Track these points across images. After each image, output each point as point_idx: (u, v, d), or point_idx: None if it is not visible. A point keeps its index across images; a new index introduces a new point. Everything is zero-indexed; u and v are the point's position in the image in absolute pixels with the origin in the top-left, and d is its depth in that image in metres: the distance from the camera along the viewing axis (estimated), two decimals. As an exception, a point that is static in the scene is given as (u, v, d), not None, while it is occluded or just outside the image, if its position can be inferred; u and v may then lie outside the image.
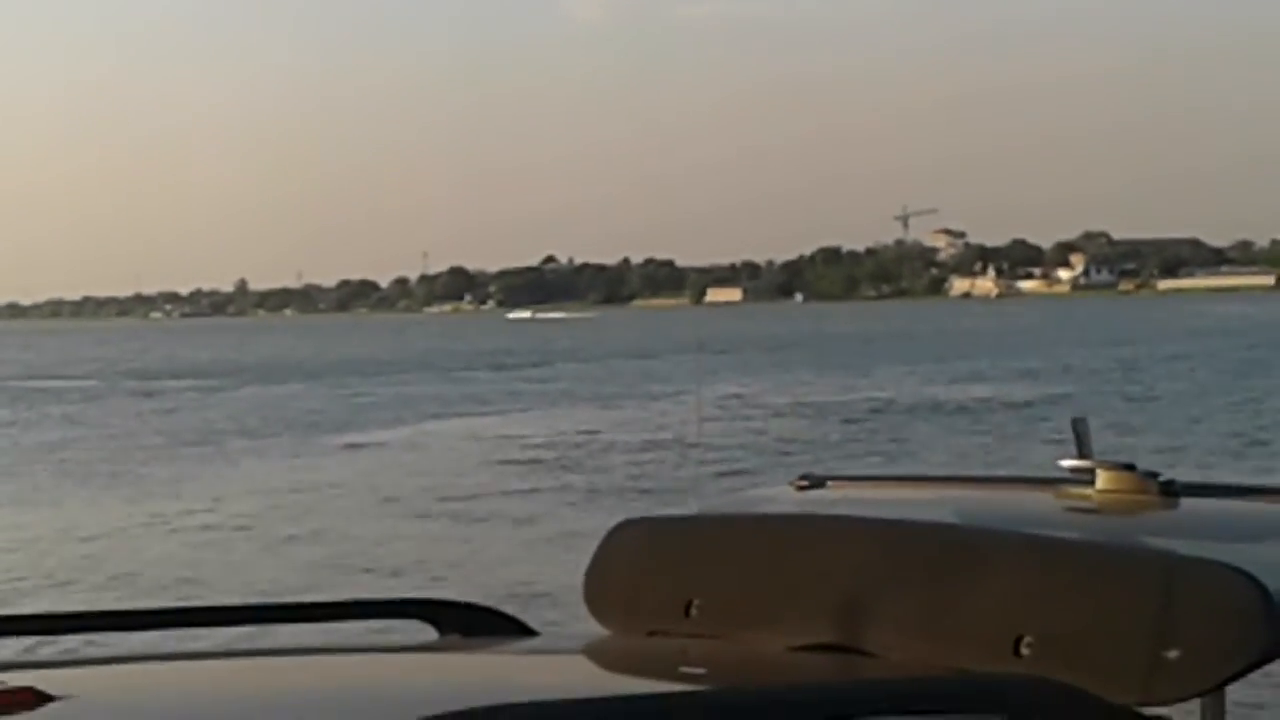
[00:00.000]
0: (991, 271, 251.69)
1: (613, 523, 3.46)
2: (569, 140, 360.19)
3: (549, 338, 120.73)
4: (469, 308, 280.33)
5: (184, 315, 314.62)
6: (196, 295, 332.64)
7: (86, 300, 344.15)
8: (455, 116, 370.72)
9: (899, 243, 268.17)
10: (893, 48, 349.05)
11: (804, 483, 3.71)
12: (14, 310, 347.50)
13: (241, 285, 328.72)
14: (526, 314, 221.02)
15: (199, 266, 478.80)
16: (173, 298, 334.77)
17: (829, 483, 3.74)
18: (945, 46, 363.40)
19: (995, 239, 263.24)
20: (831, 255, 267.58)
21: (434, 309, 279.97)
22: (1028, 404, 43.80)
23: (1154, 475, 3.40)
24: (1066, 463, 3.48)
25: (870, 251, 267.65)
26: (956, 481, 3.99)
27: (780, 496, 3.68)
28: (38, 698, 2.17)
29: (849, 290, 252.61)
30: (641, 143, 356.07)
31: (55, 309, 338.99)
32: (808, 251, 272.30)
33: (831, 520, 3.18)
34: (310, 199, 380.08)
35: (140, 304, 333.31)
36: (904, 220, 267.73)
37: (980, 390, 49.51)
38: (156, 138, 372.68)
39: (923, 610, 2.81)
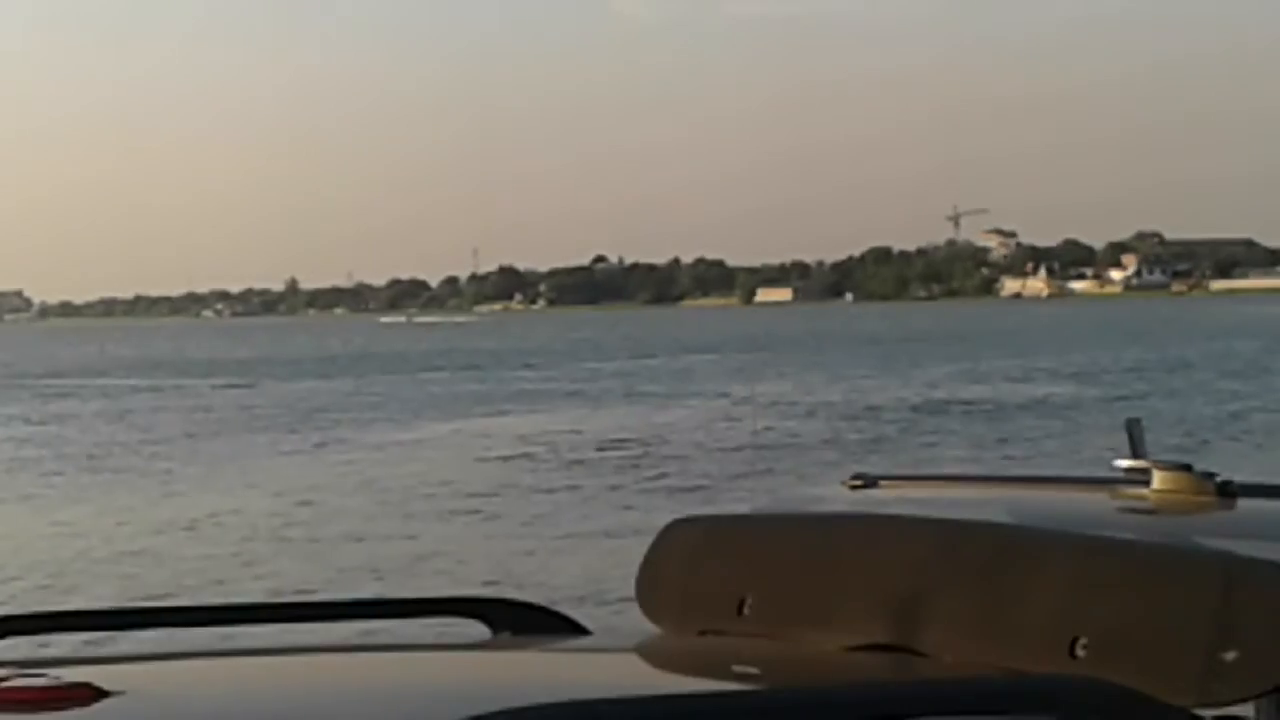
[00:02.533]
0: (1043, 272, 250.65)
1: (665, 521, 3.45)
2: (618, 138, 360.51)
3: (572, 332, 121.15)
4: (519, 307, 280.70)
5: (235, 314, 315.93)
6: (248, 294, 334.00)
7: (139, 299, 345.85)
8: (505, 113, 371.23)
9: (950, 243, 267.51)
10: (945, 47, 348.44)
11: (857, 482, 3.71)
12: (67, 308, 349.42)
13: (292, 284, 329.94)
14: (401, 318, 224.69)
15: (250, 265, 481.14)
16: (224, 296, 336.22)
17: (881, 482, 3.73)
18: (996, 46, 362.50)
19: (1047, 239, 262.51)
20: (882, 255, 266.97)
21: (484, 308, 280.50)
22: (1079, 403, 43.66)
23: (1211, 476, 3.37)
24: (1122, 463, 3.47)
25: (921, 252, 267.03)
26: (1010, 481, 3.98)
27: (832, 496, 3.67)
28: (94, 693, 2.18)
29: (899, 290, 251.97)
30: (691, 141, 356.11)
31: (108, 308, 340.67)
32: (858, 251, 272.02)
33: (885, 519, 3.17)
34: (362, 197, 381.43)
35: (192, 303, 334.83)
36: (955, 220, 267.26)
37: (1032, 389, 49.36)
38: (207, 135, 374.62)
39: (977, 610, 2.80)
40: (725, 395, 51.39)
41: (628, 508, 25.52)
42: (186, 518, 25.41)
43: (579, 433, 38.74)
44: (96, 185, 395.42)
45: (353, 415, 47.45)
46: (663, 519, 3.54)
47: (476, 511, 25.56)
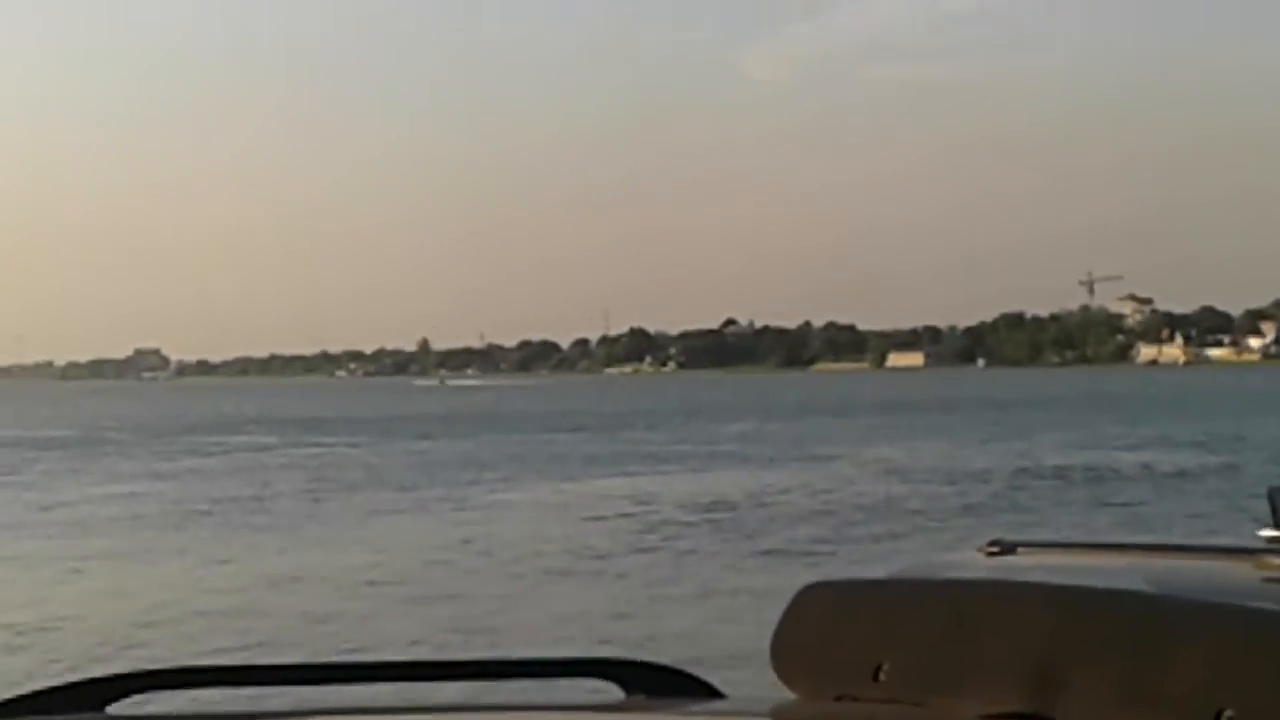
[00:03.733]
0: (1179, 339, 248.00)
1: (797, 585, 3.43)
2: (748, 201, 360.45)
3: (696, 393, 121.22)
4: (649, 369, 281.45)
5: (367, 374, 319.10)
6: (380, 354, 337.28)
7: (273, 358, 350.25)
8: (633, 175, 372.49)
9: (1084, 308, 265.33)
10: (1076, 106, 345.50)
11: (994, 549, 3.67)
12: (204, 367, 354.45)
13: (424, 345, 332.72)
14: (434, 381, 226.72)
15: (382, 326, 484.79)
16: (357, 356, 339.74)
17: (1019, 549, 3.68)
18: (1132, 105, 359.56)
19: (1183, 306, 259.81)
20: (1015, 321, 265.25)
21: (614, 370, 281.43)
22: (1217, 471, 43.09)
23: (1358, 547, 3.32)
24: (1266, 533, 3.42)
25: (1054, 317, 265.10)
26: (1152, 549, 3.92)
27: (969, 562, 3.63)
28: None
29: (1033, 356, 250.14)
30: (822, 204, 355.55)
31: (244, 366, 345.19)
32: (990, 316, 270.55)
33: (1024, 586, 3.12)
34: (492, 259, 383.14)
35: (325, 362, 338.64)
36: (1089, 286, 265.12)
37: (1171, 457, 48.80)
38: (336, 197, 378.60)
39: (1118, 681, 2.75)
40: (853, 458, 51.29)
41: (755, 570, 25.44)
42: (300, 572, 25.68)
43: (704, 494, 38.71)
44: (233, 244, 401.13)
45: (472, 475, 47.75)
46: (792, 582, 3.51)
47: (598, 573, 25.60)
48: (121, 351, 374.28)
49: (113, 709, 2.76)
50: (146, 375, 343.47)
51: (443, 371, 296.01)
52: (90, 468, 54.02)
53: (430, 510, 36.96)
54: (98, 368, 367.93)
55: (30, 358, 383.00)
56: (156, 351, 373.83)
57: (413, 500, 39.48)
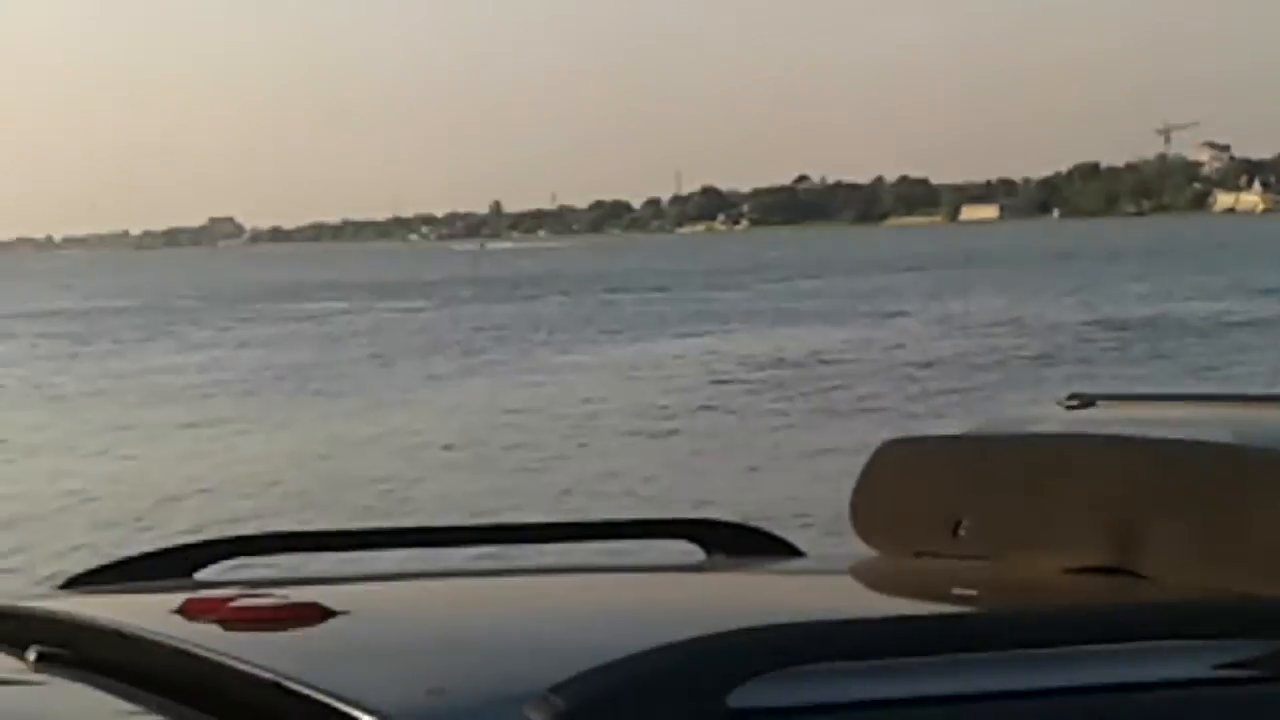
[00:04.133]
0: (1258, 185, 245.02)
1: (875, 442, 3.43)
2: (820, 57, 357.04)
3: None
4: (722, 228, 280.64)
5: (440, 238, 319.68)
6: (452, 218, 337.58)
7: (346, 224, 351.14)
8: (706, 33, 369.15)
9: (1160, 157, 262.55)
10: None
11: (1073, 402, 3.64)
12: (277, 234, 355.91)
13: (496, 207, 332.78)
14: (475, 245, 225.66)
15: (454, 190, 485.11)
16: (429, 220, 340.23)
17: (1099, 402, 3.65)
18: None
19: (1262, 152, 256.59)
20: (1090, 171, 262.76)
21: (686, 229, 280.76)
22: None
23: None
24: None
25: (1130, 167, 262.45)
26: (1234, 401, 3.88)
27: (1049, 416, 3.61)
28: (322, 613, 2.21)
29: (1108, 206, 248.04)
30: (895, 60, 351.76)
31: (316, 232, 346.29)
32: (1065, 168, 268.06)
33: (1103, 440, 3.11)
34: (565, 117, 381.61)
35: (398, 227, 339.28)
36: (1165, 134, 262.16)
37: (1246, 305, 48.35)
38: (413, 63, 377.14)
39: (1200, 533, 2.73)
40: (925, 313, 51.11)
41: (829, 429, 25.43)
42: (371, 437, 25.82)
43: (773, 352, 38.64)
44: (305, 112, 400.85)
45: (540, 337, 47.90)
46: (866, 440, 3.52)
47: (672, 433, 25.65)
48: (196, 220, 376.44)
49: (200, 575, 2.80)
50: (221, 244, 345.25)
51: (509, 235, 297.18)
52: (164, 336, 54.38)
53: (498, 373, 37.11)
54: (173, 236, 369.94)
55: (105, 227, 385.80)
56: (231, 219, 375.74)
57: (482, 363, 39.62)
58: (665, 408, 28.78)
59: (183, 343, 50.86)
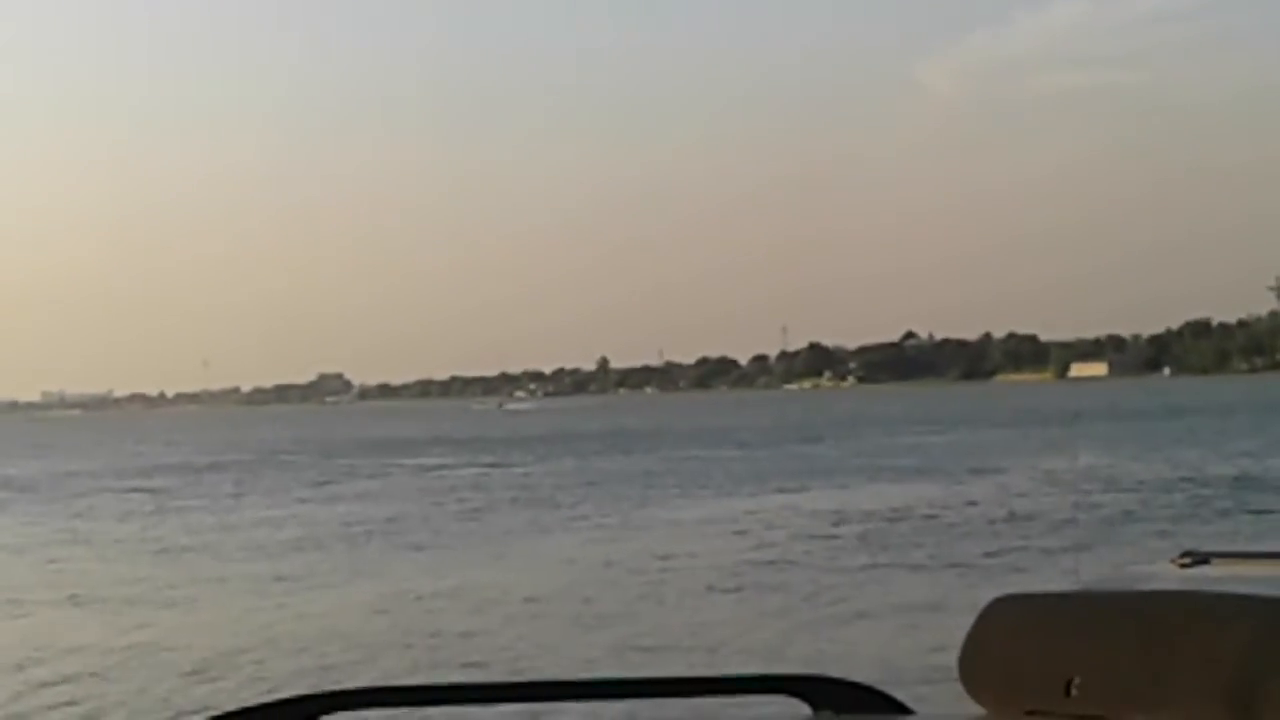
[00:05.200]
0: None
1: (988, 598, 3.38)
2: (928, 213, 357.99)
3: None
4: (828, 384, 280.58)
5: (547, 394, 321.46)
6: (560, 374, 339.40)
7: (454, 380, 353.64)
8: (811, 187, 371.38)
9: (1273, 314, 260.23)
10: (1263, 103, 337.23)
11: (1185, 560, 3.60)
12: (385, 390, 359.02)
13: (603, 364, 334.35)
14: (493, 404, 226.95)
15: (562, 347, 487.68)
16: (536, 376, 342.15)
17: (1213, 559, 3.61)
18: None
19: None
20: (1201, 328, 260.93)
21: (793, 386, 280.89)
22: None
23: None
24: None
25: (1242, 324, 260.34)
26: (1351, 558, 3.82)
27: (1161, 573, 3.58)
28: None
29: (1220, 363, 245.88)
30: (1000, 211, 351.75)
31: (425, 389, 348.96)
32: (1175, 324, 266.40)
33: (1218, 597, 3.05)
34: (688, 273, 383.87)
35: (505, 383, 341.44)
36: (1277, 291, 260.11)
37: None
38: (522, 227, 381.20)
39: (1320, 694, 2.67)
40: (1032, 469, 50.72)
41: (937, 585, 25.22)
42: (473, 593, 25.90)
43: (880, 508, 38.47)
44: (416, 274, 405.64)
45: (639, 492, 48.02)
46: (975, 597, 3.48)
47: (778, 588, 25.50)
48: (305, 376, 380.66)
49: None
50: (330, 399, 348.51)
51: (522, 391, 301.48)
52: (265, 490, 55.08)
53: (600, 529, 37.18)
54: (283, 392, 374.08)
55: (217, 384, 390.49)
56: (340, 376, 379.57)
57: (585, 519, 39.70)
58: (769, 562, 28.68)
59: (283, 497, 51.47)
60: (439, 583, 27.45)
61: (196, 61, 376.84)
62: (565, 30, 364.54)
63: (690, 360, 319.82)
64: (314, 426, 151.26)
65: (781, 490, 46.44)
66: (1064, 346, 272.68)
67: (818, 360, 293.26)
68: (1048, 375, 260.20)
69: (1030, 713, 3.04)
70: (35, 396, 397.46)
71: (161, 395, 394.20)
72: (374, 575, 29.16)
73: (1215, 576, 3.47)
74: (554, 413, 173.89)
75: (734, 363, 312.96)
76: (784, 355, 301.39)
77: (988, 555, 29.00)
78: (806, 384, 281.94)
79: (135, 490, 57.53)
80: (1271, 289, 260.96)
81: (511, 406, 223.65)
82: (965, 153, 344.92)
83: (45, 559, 34.50)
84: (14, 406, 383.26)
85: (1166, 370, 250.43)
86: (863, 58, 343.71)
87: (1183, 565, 3.59)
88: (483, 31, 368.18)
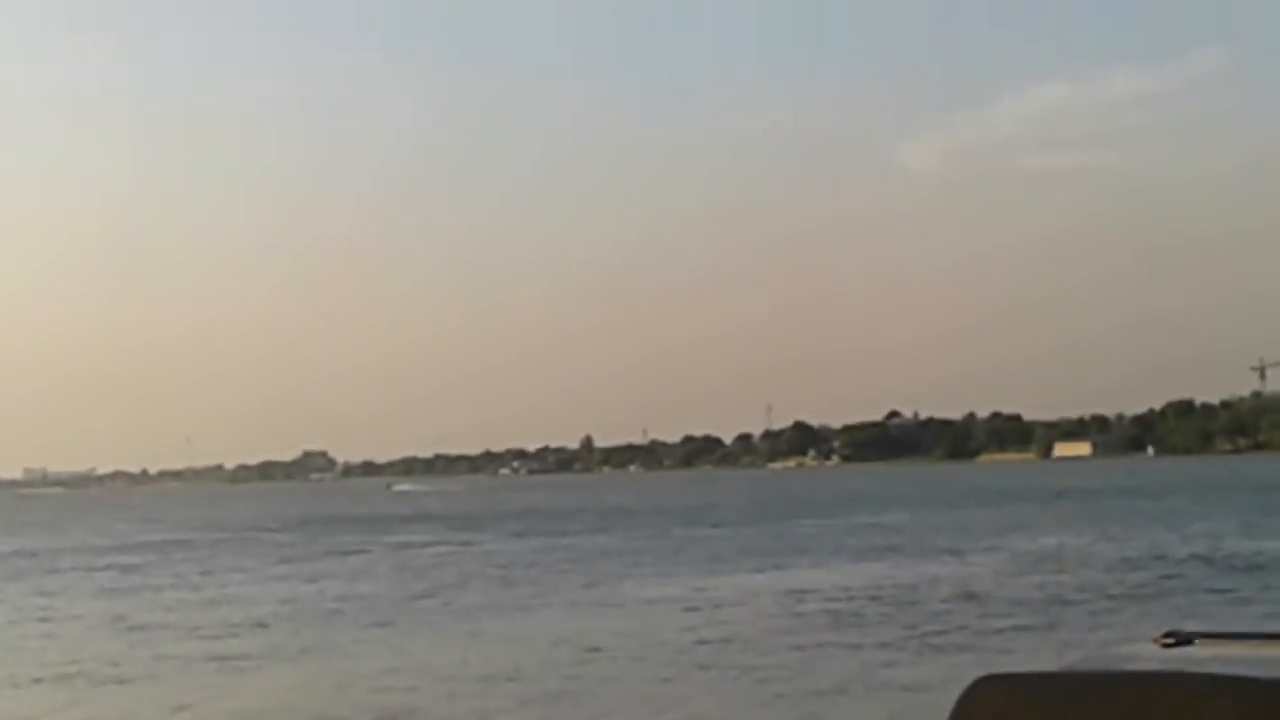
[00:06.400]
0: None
1: (969, 679, 3.35)
2: (910, 295, 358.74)
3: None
4: (813, 463, 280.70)
5: (531, 472, 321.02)
6: (544, 452, 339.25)
7: (438, 458, 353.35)
8: (795, 267, 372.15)
9: (1255, 394, 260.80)
10: (1240, 181, 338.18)
11: (1168, 640, 3.54)
12: (368, 467, 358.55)
13: (587, 442, 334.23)
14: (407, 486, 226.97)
15: (546, 425, 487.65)
16: (520, 454, 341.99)
17: (1196, 640, 3.57)
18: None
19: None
20: (1184, 408, 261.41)
21: (777, 465, 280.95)
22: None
23: None
24: None
25: (1225, 404, 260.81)
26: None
27: (1144, 653, 3.51)
28: None
29: (1203, 444, 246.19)
30: (982, 291, 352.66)
31: (408, 466, 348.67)
32: (1158, 404, 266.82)
33: (1202, 679, 3.01)
34: (654, 357, 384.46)
35: (489, 461, 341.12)
36: (1261, 371, 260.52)
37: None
38: (501, 304, 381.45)
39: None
40: (1013, 548, 50.69)
41: (918, 664, 25.11)
42: (427, 669, 25.83)
43: (864, 586, 38.36)
44: (397, 352, 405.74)
45: (619, 569, 48.01)
46: (957, 675, 3.44)
47: (753, 668, 25.37)
48: (290, 453, 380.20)
49: None
50: (314, 477, 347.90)
51: (506, 469, 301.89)
52: (238, 569, 55.09)
53: (579, 605, 37.12)
54: (267, 469, 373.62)
55: (201, 461, 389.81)
56: (324, 453, 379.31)
57: (562, 596, 39.64)
58: (751, 642, 28.51)
59: (257, 575, 51.46)
60: (394, 660, 27.46)
61: (182, 136, 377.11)
62: (543, 104, 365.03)
63: (675, 439, 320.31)
64: (293, 503, 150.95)
65: (763, 569, 46.31)
66: (1048, 426, 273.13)
67: (802, 439, 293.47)
68: (1032, 455, 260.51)
69: (1012, 796, 3.00)
70: (17, 473, 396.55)
71: (144, 472, 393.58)
72: (347, 654, 29.09)
73: (1199, 657, 3.41)
74: (628, 488, 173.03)
75: (719, 441, 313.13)
76: (768, 434, 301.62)
77: (969, 634, 28.89)
78: (791, 463, 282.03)
79: (106, 568, 57.83)
80: (1254, 369, 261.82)
81: (400, 488, 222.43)
82: (948, 230, 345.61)
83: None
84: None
85: (1150, 450, 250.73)
86: (845, 135, 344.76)
87: (1165, 645, 3.53)
88: (464, 105, 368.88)
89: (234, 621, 35.45)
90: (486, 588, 42.75)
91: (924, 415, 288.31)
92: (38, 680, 26.81)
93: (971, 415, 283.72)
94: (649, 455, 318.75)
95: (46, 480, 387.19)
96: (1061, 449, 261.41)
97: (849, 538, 61.39)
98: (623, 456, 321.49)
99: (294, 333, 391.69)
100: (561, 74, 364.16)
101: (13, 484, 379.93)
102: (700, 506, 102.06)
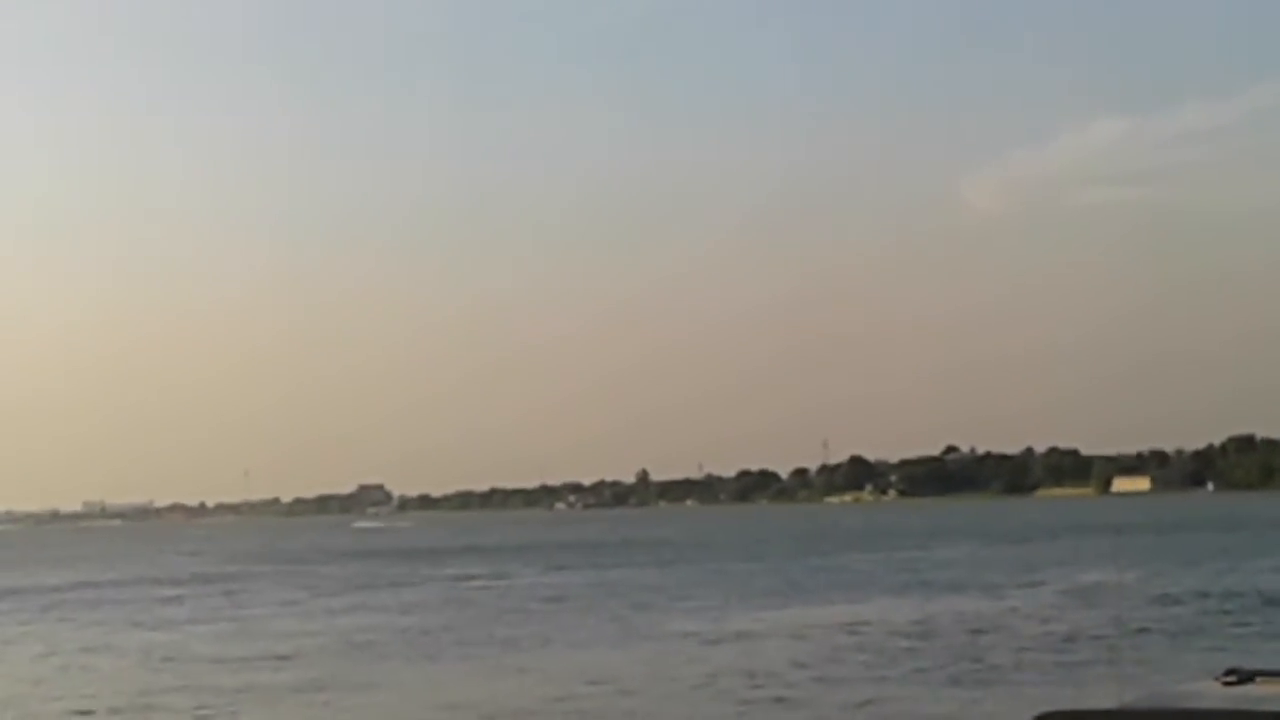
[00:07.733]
0: None
1: (1032, 715, 3.35)
2: (971, 326, 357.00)
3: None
4: (869, 498, 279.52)
5: (587, 506, 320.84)
6: (600, 486, 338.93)
7: (494, 492, 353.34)
8: (855, 304, 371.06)
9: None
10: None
11: (1230, 678, 3.51)
12: (425, 501, 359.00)
13: (643, 476, 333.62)
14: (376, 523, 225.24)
15: (603, 459, 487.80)
16: (576, 489, 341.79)
17: (1258, 678, 3.55)
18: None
19: None
20: (1244, 443, 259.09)
21: (834, 499, 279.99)
22: None
23: None
24: None
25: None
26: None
27: (1206, 691, 3.48)
28: None
29: (1264, 479, 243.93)
30: (1042, 326, 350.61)
31: (464, 500, 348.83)
32: (1218, 439, 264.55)
33: (1266, 716, 3.01)
34: (727, 387, 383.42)
35: (545, 495, 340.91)
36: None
37: None
38: (555, 337, 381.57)
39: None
40: (1068, 582, 50.38)
41: (979, 699, 24.99)
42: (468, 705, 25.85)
43: (920, 621, 38.22)
44: (456, 386, 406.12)
45: (666, 602, 47.94)
46: (1020, 711, 3.43)
47: (802, 705, 25.29)
48: (346, 487, 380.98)
49: None
50: (370, 510, 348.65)
51: (562, 504, 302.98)
52: (288, 601, 55.24)
53: (631, 636, 37.16)
54: (324, 503, 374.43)
55: (257, 494, 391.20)
56: (380, 486, 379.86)
57: (618, 627, 39.72)
58: (808, 675, 28.43)
59: (309, 608, 51.62)
60: (433, 695, 27.57)
61: (233, 167, 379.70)
62: (578, 140, 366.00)
63: (731, 473, 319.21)
64: (357, 535, 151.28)
65: (821, 604, 46.13)
66: (1107, 460, 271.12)
67: (859, 474, 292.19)
68: (1090, 490, 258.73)
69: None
70: (77, 506, 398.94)
71: (202, 505, 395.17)
72: (373, 686, 29.26)
73: (1260, 695, 3.39)
74: (684, 520, 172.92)
75: (774, 475, 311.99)
76: (824, 469, 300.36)
77: (1029, 670, 28.71)
78: (847, 498, 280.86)
79: (150, 600, 58.27)
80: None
81: (360, 525, 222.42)
82: (1005, 263, 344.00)
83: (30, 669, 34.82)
84: (55, 516, 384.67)
85: (1210, 485, 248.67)
86: (903, 170, 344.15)
87: (1227, 683, 3.50)
88: (515, 139, 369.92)
89: (270, 654, 35.61)
90: (524, 621, 42.80)
91: (981, 450, 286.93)
92: (75, 712, 27.08)
93: (1029, 450, 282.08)
94: (704, 490, 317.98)
95: (105, 513, 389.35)
96: (1120, 484, 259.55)
97: (902, 573, 61.13)
98: (678, 491, 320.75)
99: (351, 366, 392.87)
100: (595, 107, 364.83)
101: (73, 517, 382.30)
102: (752, 540, 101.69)
